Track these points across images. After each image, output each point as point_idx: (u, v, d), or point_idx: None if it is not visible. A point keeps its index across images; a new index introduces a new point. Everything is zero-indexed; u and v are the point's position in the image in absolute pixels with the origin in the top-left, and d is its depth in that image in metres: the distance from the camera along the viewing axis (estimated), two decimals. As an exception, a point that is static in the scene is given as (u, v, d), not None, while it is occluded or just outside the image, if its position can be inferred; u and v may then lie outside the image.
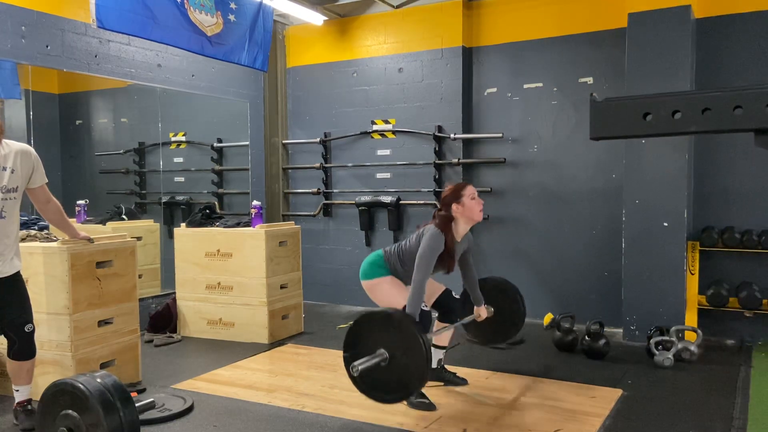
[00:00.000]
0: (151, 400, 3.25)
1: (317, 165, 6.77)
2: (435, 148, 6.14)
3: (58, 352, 3.70)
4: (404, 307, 3.32)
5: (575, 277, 5.70)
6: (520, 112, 5.88)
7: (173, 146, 6.33)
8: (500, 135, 5.88)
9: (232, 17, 5.43)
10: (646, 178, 4.94)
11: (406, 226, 6.36)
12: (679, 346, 4.42)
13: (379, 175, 6.51)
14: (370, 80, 6.52)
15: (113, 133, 6.21)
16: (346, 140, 6.65)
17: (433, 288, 3.84)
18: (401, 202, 6.35)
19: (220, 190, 6.69)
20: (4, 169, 3.20)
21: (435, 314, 3.80)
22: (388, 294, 3.65)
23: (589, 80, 5.58)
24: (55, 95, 5.43)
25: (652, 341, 4.47)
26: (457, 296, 3.96)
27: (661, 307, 4.89)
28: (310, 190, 6.85)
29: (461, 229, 3.65)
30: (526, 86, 5.85)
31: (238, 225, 5.36)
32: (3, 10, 4.44)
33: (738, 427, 3.29)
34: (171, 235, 5.66)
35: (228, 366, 4.49)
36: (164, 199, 6.20)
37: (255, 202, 5.36)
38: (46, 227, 4.03)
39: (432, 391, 3.79)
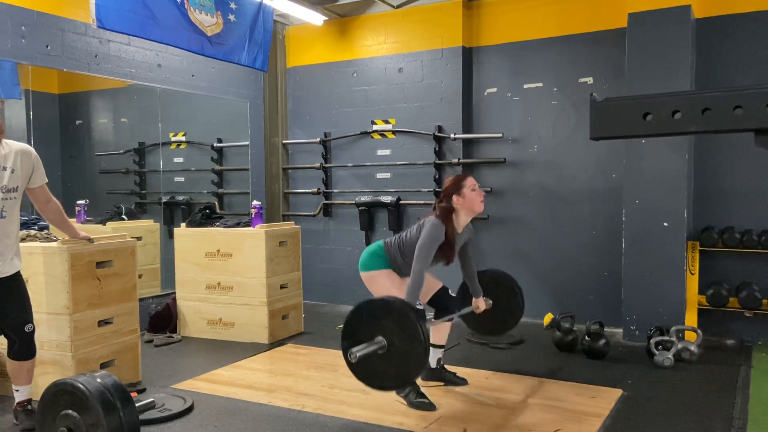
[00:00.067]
0: (151, 400, 3.25)
1: (317, 165, 6.77)
2: (435, 148, 6.14)
3: (58, 352, 3.70)
4: None
5: (575, 277, 5.70)
6: (520, 112, 5.88)
7: (173, 146, 6.33)
8: (500, 135, 5.88)
9: (232, 17, 5.43)
10: (646, 178, 4.94)
11: (406, 226, 6.35)
12: (679, 346, 4.42)
13: (379, 175, 6.51)
14: (370, 80, 6.52)
15: (113, 133, 6.21)
16: (346, 140, 6.65)
17: (431, 285, 3.83)
18: (401, 202, 6.35)
19: (220, 190, 6.69)
20: (4, 169, 3.20)
21: (430, 314, 3.79)
22: (384, 287, 3.64)
23: (589, 80, 5.58)
24: (55, 95, 5.43)
25: (652, 341, 4.47)
26: (454, 294, 3.96)
27: (661, 307, 4.89)
28: (310, 190, 6.85)
29: (462, 220, 3.65)
30: (526, 86, 5.85)
31: (238, 225, 5.36)
32: (3, 10, 4.44)
33: (738, 427, 3.29)
34: (171, 235, 5.66)
35: (228, 366, 4.49)
36: (164, 199, 6.20)
37: (255, 202, 5.36)
38: (46, 227, 4.03)
39: (432, 391, 3.79)
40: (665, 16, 4.81)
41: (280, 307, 5.26)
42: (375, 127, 6.49)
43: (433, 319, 3.79)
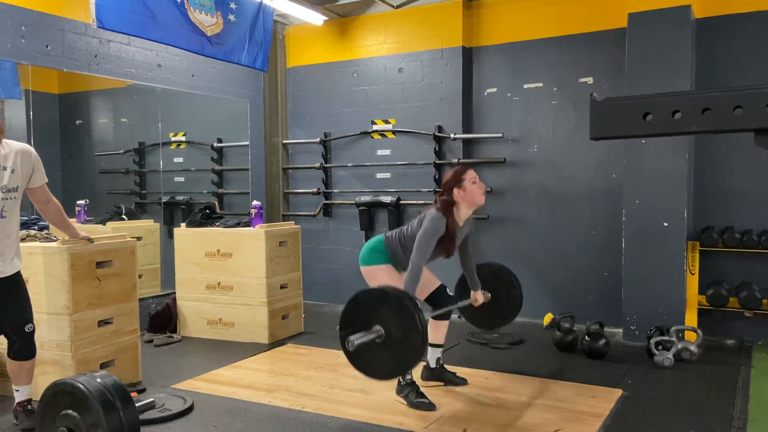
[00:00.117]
0: (151, 400, 3.26)
1: (317, 165, 6.77)
2: (435, 148, 6.15)
3: (58, 352, 3.70)
4: None
5: (575, 277, 5.70)
6: (520, 112, 5.89)
7: (173, 146, 6.33)
8: (500, 135, 5.88)
9: (232, 17, 5.43)
10: (646, 178, 4.94)
11: (406, 226, 6.36)
12: (679, 346, 4.42)
13: (379, 175, 6.51)
14: (370, 80, 6.52)
15: (113, 133, 6.21)
16: (346, 140, 6.65)
17: (429, 283, 3.82)
18: (401, 202, 6.35)
19: (220, 190, 6.69)
20: (5, 168, 3.20)
21: (427, 313, 3.78)
22: (383, 282, 3.63)
23: (589, 80, 5.58)
24: (55, 95, 5.43)
25: (652, 341, 4.47)
26: (452, 293, 3.96)
27: (661, 307, 4.89)
28: (310, 190, 6.85)
29: (463, 213, 3.64)
30: (526, 86, 5.85)
31: (238, 225, 5.36)
32: (3, 10, 4.44)
33: (738, 427, 3.29)
34: (171, 235, 5.66)
35: (228, 366, 4.49)
36: (164, 199, 6.20)
37: (255, 202, 5.36)
38: (46, 227, 4.03)
39: (432, 391, 3.79)
40: (665, 16, 4.81)
41: (280, 307, 5.26)
42: (375, 127, 6.49)
43: (431, 317, 3.79)
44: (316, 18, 6.33)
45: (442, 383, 3.96)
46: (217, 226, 5.39)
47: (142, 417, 2.98)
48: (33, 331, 3.36)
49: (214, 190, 6.66)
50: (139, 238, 4.58)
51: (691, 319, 4.91)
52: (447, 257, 3.68)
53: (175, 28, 4.88)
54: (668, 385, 4.00)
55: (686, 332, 4.60)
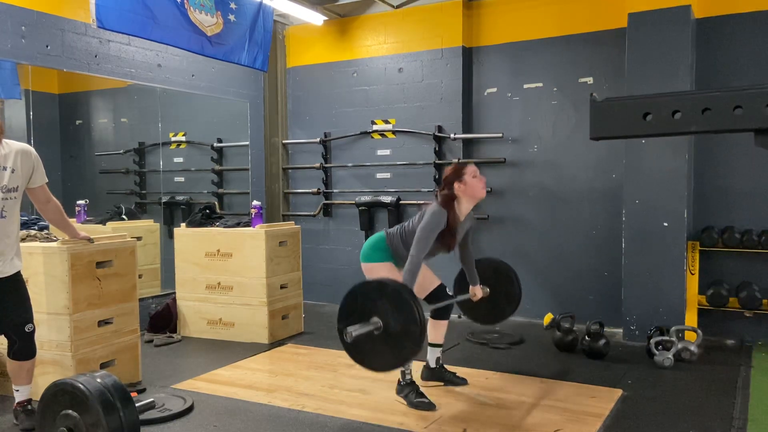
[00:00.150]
0: (151, 400, 3.25)
1: (317, 165, 6.77)
2: (435, 148, 6.15)
3: (58, 352, 3.70)
4: None
5: (575, 277, 5.70)
6: (520, 112, 5.89)
7: (173, 146, 6.33)
8: (500, 135, 5.88)
9: (232, 17, 5.43)
10: (646, 178, 4.94)
11: (406, 226, 6.36)
12: (679, 346, 4.42)
13: (379, 175, 6.51)
14: (370, 80, 6.52)
15: (113, 133, 6.21)
16: (346, 140, 6.65)
17: (429, 281, 3.82)
18: (401, 202, 6.35)
19: (220, 190, 6.69)
20: (5, 168, 3.20)
21: (426, 313, 3.78)
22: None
23: (589, 80, 5.58)
24: (55, 95, 5.43)
25: (652, 341, 4.47)
26: (451, 293, 3.95)
27: (661, 307, 4.89)
28: (310, 190, 6.85)
29: (464, 208, 3.63)
30: (526, 86, 5.85)
31: (238, 225, 5.36)
32: (3, 10, 4.44)
33: (738, 427, 3.29)
34: (171, 235, 5.66)
35: (228, 366, 4.49)
36: (164, 199, 6.20)
37: (255, 202, 5.36)
38: (46, 227, 4.03)
39: (432, 391, 3.79)
40: (665, 16, 4.81)
41: (280, 307, 5.26)
42: (375, 127, 6.49)
43: (430, 316, 3.79)
44: (316, 18, 6.33)
45: (442, 383, 3.96)
46: (217, 226, 5.39)
47: (142, 417, 2.98)
48: (33, 331, 3.36)
49: (214, 190, 6.66)
50: (139, 238, 4.58)
51: (691, 319, 4.91)
52: (447, 251, 3.68)
53: (175, 28, 4.88)
54: (668, 385, 4.00)
55: (686, 332, 4.60)
